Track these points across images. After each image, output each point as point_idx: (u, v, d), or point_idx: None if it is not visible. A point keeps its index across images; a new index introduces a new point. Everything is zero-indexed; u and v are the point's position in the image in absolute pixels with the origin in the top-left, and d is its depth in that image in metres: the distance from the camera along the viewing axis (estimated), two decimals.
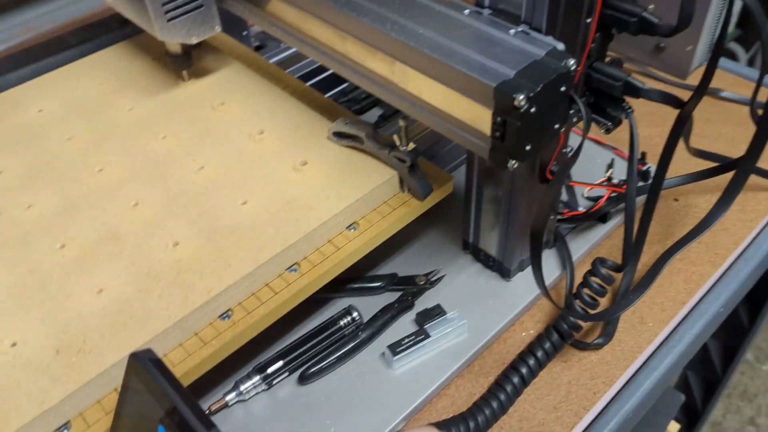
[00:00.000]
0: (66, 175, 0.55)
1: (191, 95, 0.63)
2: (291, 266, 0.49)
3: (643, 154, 0.66)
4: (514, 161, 0.40)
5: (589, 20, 0.44)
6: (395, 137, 0.52)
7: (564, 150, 0.53)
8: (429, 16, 0.44)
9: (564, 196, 0.65)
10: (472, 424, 0.50)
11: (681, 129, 0.50)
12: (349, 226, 0.52)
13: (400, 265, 0.62)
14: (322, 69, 0.81)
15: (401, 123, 0.50)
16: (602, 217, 0.65)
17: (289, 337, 0.56)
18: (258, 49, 0.87)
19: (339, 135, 0.56)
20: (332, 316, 0.56)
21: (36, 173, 0.55)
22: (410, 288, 0.59)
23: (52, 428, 0.40)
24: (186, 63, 0.63)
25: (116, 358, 0.42)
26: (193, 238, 0.49)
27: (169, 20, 0.55)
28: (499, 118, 0.39)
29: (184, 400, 0.36)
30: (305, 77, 0.77)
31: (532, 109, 0.38)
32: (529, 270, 0.61)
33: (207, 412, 0.51)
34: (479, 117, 0.41)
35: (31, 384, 0.41)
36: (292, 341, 0.54)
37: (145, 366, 0.37)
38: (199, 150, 0.56)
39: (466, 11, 0.44)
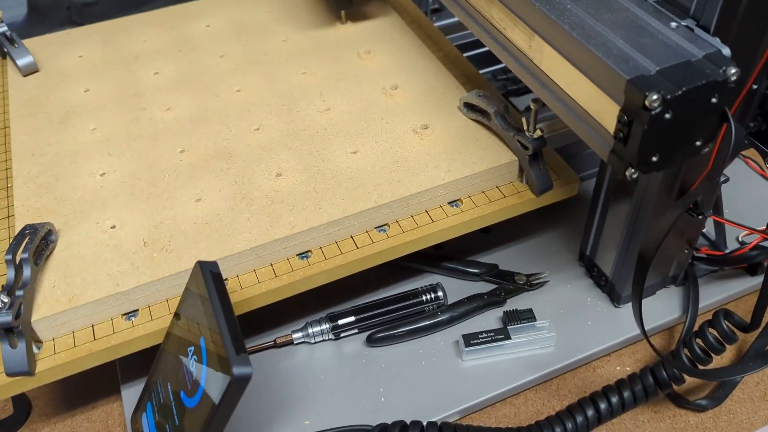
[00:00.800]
0: (208, 88, 0.58)
1: (343, 38, 0.63)
2: (380, 226, 0.48)
3: None
4: (633, 170, 0.35)
5: None
6: (523, 120, 0.48)
7: (717, 179, 0.46)
8: None
9: (711, 234, 0.56)
10: None
11: None
12: (452, 201, 0.50)
13: (503, 258, 0.58)
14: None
15: (532, 106, 0.46)
16: (752, 269, 0.56)
17: (370, 297, 0.55)
18: (435, 12, 0.85)
19: (469, 106, 0.53)
20: (416, 288, 0.54)
21: (184, 80, 0.59)
22: (507, 284, 0.55)
23: (121, 311, 0.43)
24: (345, 3, 0.63)
25: (191, 264, 0.43)
26: (296, 172, 0.49)
27: None
28: (625, 117, 0.34)
29: (227, 319, 0.36)
30: (465, 47, 0.74)
31: (667, 115, 0.32)
32: (649, 302, 0.54)
33: (272, 343, 0.52)
34: (606, 111, 0.36)
35: (114, 266, 0.43)
36: (371, 301, 0.54)
37: (205, 276, 0.38)
38: (332, 92, 0.56)
39: None
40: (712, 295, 0.54)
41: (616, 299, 0.54)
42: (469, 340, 0.51)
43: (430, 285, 0.54)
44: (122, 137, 0.53)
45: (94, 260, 0.44)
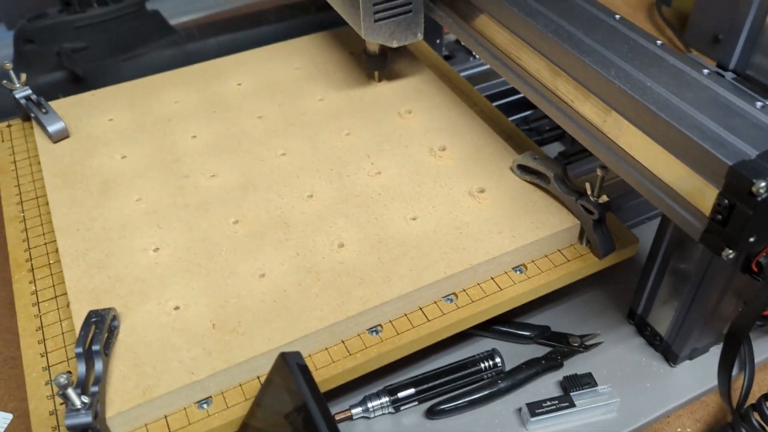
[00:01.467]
0: (251, 152, 0.57)
1: (380, 97, 0.62)
2: (448, 295, 0.47)
3: None
4: (731, 251, 0.35)
5: None
6: (587, 185, 0.48)
7: None
8: (660, 68, 0.40)
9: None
10: None
11: None
12: (516, 267, 0.49)
13: (553, 318, 0.57)
14: (508, 92, 0.78)
15: (599, 173, 0.46)
16: None
17: (424, 364, 0.54)
18: (447, 59, 0.86)
19: (523, 168, 0.53)
20: (474, 356, 0.53)
21: (224, 144, 0.57)
22: (561, 347, 0.55)
23: (194, 400, 0.41)
24: (380, 64, 0.63)
25: (266, 347, 0.42)
26: (359, 242, 0.48)
27: (376, 21, 0.55)
28: (726, 201, 0.34)
29: (323, 415, 0.35)
30: (490, 98, 0.75)
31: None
32: (698, 360, 0.55)
33: None
34: (699, 192, 0.36)
35: (184, 352, 0.42)
36: (429, 371, 0.52)
37: (291, 369, 0.37)
38: (379, 154, 0.56)
39: (705, 71, 0.39)
40: (764, 351, 0.55)
41: (672, 359, 0.54)
42: (534, 409, 0.50)
43: (487, 352, 0.53)
44: (169, 208, 0.51)
45: (161, 346, 0.42)
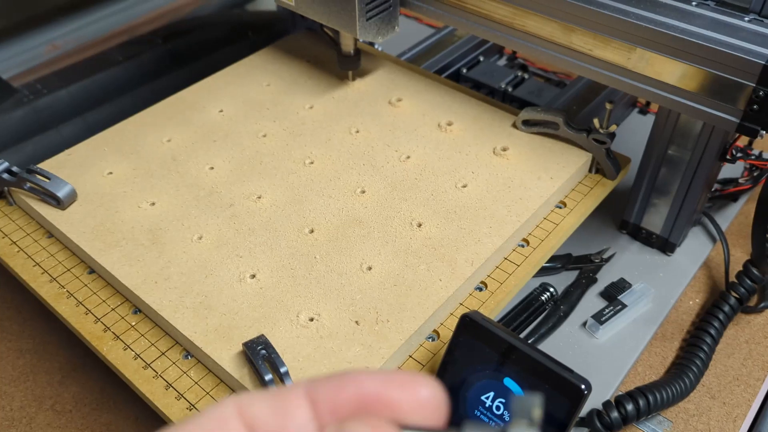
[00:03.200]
0: (279, 167, 0.57)
1: (363, 94, 0.66)
2: (520, 242, 0.53)
3: None
4: (764, 131, 0.46)
5: None
6: (595, 120, 0.57)
7: None
8: (660, 7, 0.49)
9: None
10: (687, 382, 0.55)
11: None
12: (557, 204, 0.56)
13: (564, 246, 0.66)
14: (439, 71, 0.85)
15: (608, 106, 0.55)
16: (734, 196, 0.71)
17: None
18: None
19: (528, 123, 0.60)
20: (531, 293, 0.60)
21: (247, 167, 0.57)
22: (588, 265, 0.64)
23: None
24: (355, 63, 0.66)
25: (416, 324, 0.44)
26: (432, 218, 0.52)
27: (367, 20, 0.59)
28: (761, 92, 0.44)
29: (526, 345, 0.39)
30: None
31: None
32: (686, 244, 0.67)
33: None
34: (732, 92, 0.46)
35: (347, 352, 0.43)
36: (501, 317, 0.58)
37: (483, 323, 0.40)
38: (397, 141, 0.60)
39: (693, 2, 0.49)
40: (721, 223, 0.69)
41: (670, 249, 0.65)
42: (599, 318, 0.58)
43: (540, 287, 0.60)
44: (237, 236, 0.51)
45: (323, 354, 0.43)
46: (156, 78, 0.88)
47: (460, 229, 0.51)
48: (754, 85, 0.45)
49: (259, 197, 0.54)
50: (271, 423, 0.18)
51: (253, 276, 0.48)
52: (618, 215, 0.68)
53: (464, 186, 0.55)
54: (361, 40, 0.61)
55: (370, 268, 0.48)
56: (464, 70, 0.87)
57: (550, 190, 0.55)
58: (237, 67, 0.70)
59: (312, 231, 0.51)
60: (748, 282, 0.60)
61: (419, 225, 0.52)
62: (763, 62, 0.43)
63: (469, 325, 0.41)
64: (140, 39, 0.95)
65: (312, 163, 0.58)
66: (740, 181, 0.72)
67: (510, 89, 0.83)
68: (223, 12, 0.95)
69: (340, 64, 0.66)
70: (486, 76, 0.85)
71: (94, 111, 0.84)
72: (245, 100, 0.65)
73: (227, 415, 0.18)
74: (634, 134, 0.76)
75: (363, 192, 0.55)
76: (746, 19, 0.48)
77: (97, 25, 1.00)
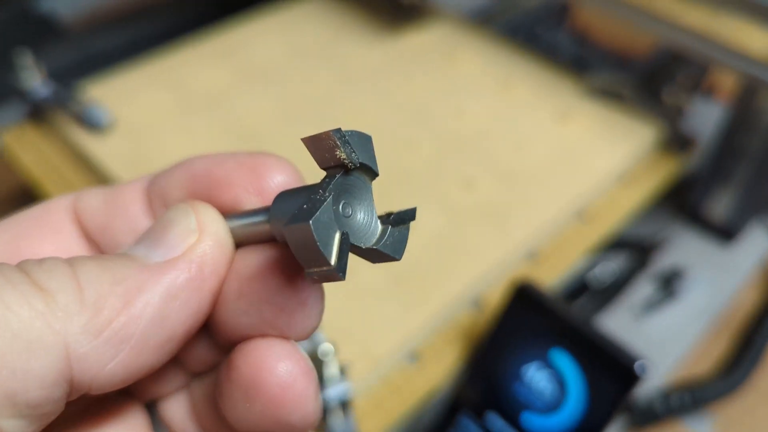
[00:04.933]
0: (326, 117, 0.54)
1: (419, 47, 0.62)
2: (575, 214, 0.50)
3: None
4: None
5: None
6: (665, 93, 0.53)
7: None
8: None
9: None
10: (738, 378, 0.51)
11: None
12: (619, 177, 0.53)
13: None
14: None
15: (680, 78, 0.51)
16: None
17: None
18: None
19: (595, 89, 0.56)
20: (581, 271, 0.56)
21: (293, 113, 0.55)
22: (641, 247, 0.60)
23: (409, 356, 0.40)
24: (412, 15, 0.62)
25: (459, 288, 0.42)
26: (484, 178, 0.49)
27: None
28: None
29: (581, 321, 0.36)
30: None
31: None
32: (746, 235, 0.62)
33: None
34: None
35: (382, 308, 0.40)
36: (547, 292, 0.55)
37: (535, 294, 0.38)
38: (453, 97, 0.56)
39: None
40: None
41: (729, 239, 0.61)
42: (649, 305, 0.55)
43: (590, 264, 0.57)
44: None
45: (354, 312, 0.40)
46: (202, 25, 0.86)
47: (513, 192, 0.48)
48: None
49: None
50: (101, 216, 0.17)
51: None
52: (679, 198, 0.64)
53: (520, 149, 0.52)
54: None
55: (414, 225, 0.45)
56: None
57: (610, 163, 0.51)
58: (290, 11, 0.67)
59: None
60: None
61: (470, 184, 0.49)
62: None
63: (524, 294, 0.38)
64: None
65: (361, 113, 0.55)
66: None
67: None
68: None
69: (396, 15, 0.63)
70: (547, 48, 0.81)
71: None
72: (294, 44, 0.62)
73: (60, 207, 0.17)
74: (696, 120, 0.72)
75: (413, 145, 0.52)
76: None
77: None
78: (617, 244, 0.60)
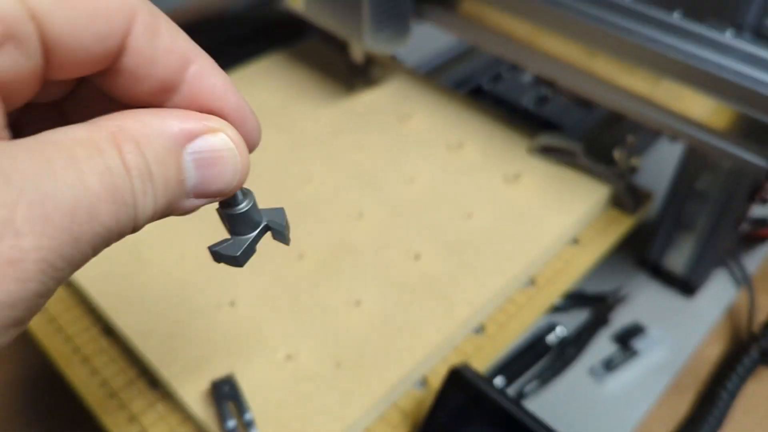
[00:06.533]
0: (272, 183, 0.54)
1: (372, 107, 0.62)
2: (527, 281, 0.49)
3: None
4: None
5: None
6: (616, 153, 0.52)
7: None
8: (691, 37, 0.45)
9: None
10: None
11: None
12: (570, 241, 0.52)
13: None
14: (458, 85, 0.81)
15: (630, 139, 0.51)
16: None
17: None
18: None
19: (544, 149, 0.56)
20: (537, 333, 0.56)
21: None
22: (601, 306, 0.59)
23: None
24: (366, 75, 0.62)
25: (403, 371, 0.41)
26: (432, 250, 0.48)
27: (377, 31, 0.55)
28: None
29: (519, 407, 0.35)
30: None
31: None
32: (709, 286, 0.62)
33: None
34: (764, 134, 0.41)
35: (324, 397, 0.39)
36: (506, 357, 0.54)
37: (474, 381, 0.37)
38: (402, 161, 0.56)
39: (727, 33, 0.45)
40: (749, 265, 0.64)
41: (690, 292, 0.60)
42: (608, 365, 0.54)
43: (547, 326, 0.56)
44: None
45: (295, 402, 0.39)
46: None
47: (462, 263, 0.48)
48: None
49: None
50: None
51: (233, 304, 0.45)
52: (638, 250, 0.64)
53: (470, 215, 0.51)
54: (370, 51, 0.58)
55: (358, 303, 0.45)
56: (485, 85, 0.83)
57: (563, 225, 0.51)
58: (243, 71, 0.67)
59: (301, 257, 0.48)
60: None
61: (417, 257, 0.48)
62: None
63: (457, 378, 0.37)
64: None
65: (309, 180, 0.54)
66: None
67: (533, 108, 0.79)
68: (248, 11, 0.92)
69: (349, 74, 0.62)
70: (509, 92, 0.81)
71: None
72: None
73: None
74: (660, 162, 0.72)
75: (361, 215, 0.51)
76: None
77: None
78: (576, 301, 0.59)
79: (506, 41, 0.54)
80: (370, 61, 0.62)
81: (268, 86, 0.64)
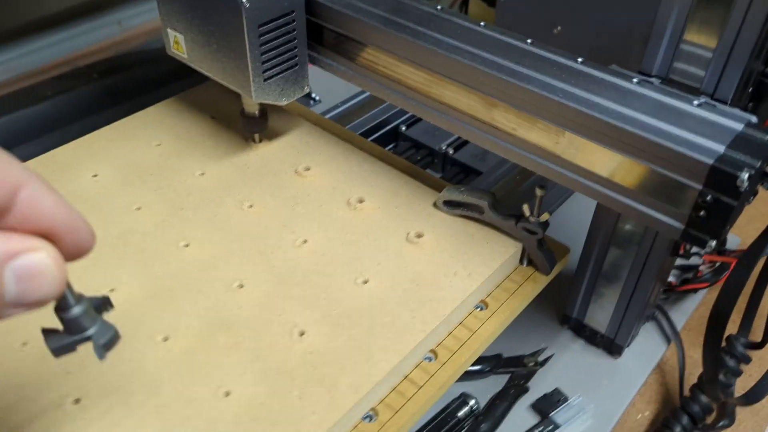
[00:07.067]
0: (146, 251, 0.48)
1: (268, 159, 0.57)
2: (427, 354, 0.44)
3: None
4: (713, 241, 0.37)
5: (750, 89, 0.42)
6: (525, 207, 0.48)
7: None
8: (595, 84, 0.41)
9: None
10: None
11: None
12: (477, 305, 0.47)
13: (495, 344, 0.57)
14: (371, 130, 0.77)
15: (538, 192, 0.47)
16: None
17: None
18: None
19: (450, 204, 0.52)
20: (448, 406, 0.50)
21: (110, 249, 0.48)
22: (519, 370, 0.54)
23: None
24: (262, 125, 0.57)
25: None
26: (319, 325, 0.43)
27: (265, 80, 0.50)
28: (709, 197, 0.36)
29: None
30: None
31: (748, 188, 0.35)
32: (636, 345, 0.58)
33: None
34: (675, 193, 0.37)
35: None
36: None
37: None
38: (295, 221, 0.51)
39: (635, 80, 0.41)
40: (677, 319, 0.60)
41: (616, 351, 0.56)
42: None
43: (459, 398, 0.51)
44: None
45: None
46: (89, 115, 0.79)
47: (351, 340, 0.42)
48: (701, 187, 0.36)
49: (113, 290, 0.45)
50: None
51: (78, 401, 0.38)
52: (561, 306, 0.59)
53: (365, 282, 0.46)
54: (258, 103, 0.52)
55: (227, 394, 0.39)
56: (403, 128, 0.79)
57: (468, 290, 0.46)
58: (128, 121, 0.60)
59: (166, 339, 0.42)
60: (704, 399, 0.51)
61: (302, 333, 0.42)
62: (711, 162, 0.35)
63: None
64: (75, 73, 0.87)
65: (187, 246, 0.48)
66: (701, 268, 0.64)
67: (451, 152, 0.75)
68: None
69: (242, 125, 0.57)
70: (426, 135, 0.77)
71: (17, 148, 0.75)
72: (128, 162, 0.56)
73: None
74: (581, 213, 0.68)
75: (241, 286, 0.45)
76: (695, 102, 0.39)
77: (29, 58, 0.91)
78: (493, 365, 0.54)
79: (404, 91, 0.49)
80: (268, 109, 0.57)
81: (151, 137, 0.58)
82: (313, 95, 0.85)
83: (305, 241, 0.49)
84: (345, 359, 0.41)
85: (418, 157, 0.75)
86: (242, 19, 0.47)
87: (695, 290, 0.61)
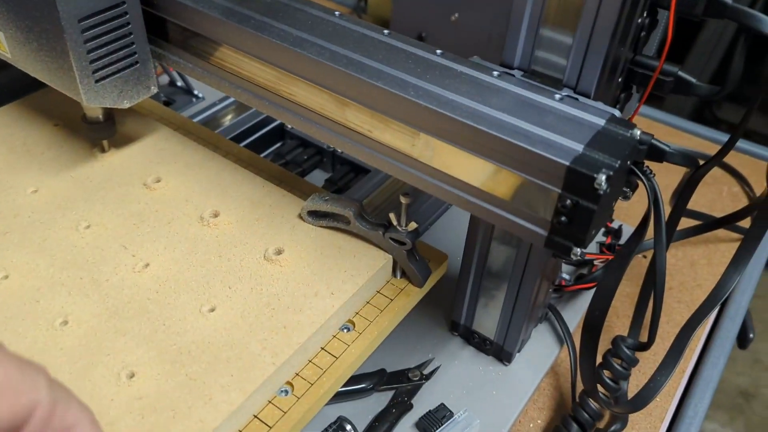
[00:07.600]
0: None
1: (114, 170, 0.50)
2: (282, 388, 0.39)
3: None
4: (578, 248, 0.34)
5: (620, 79, 0.39)
6: (392, 216, 0.44)
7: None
8: (453, 79, 0.37)
9: None
10: None
11: (693, 189, 0.46)
12: (343, 326, 0.43)
13: (380, 358, 0.53)
14: (251, 130, 0.71)
15: (403, 200, 0.42)
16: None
17: None
18: (166, 104, 0.75)
19: (315, 214, 0.47)
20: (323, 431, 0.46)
21: None
22: (403, 385, 0.50)
23: None
24: (108, 131, 0.51)
25: None
26: (153, 364, 0.37)
27: (97, 81, 0.44)
28: (568, 201, 0.32)
29: None
30: (235, 139, 0.67)
31: (608, 189, 0.32)
32: (527, 350, 0.55)
33: None
34: (535, 197, 0.34)
35: None
36: None
37: None
38: (138, 241, 0.45)
39: (495, 73, 0.37)
40: (570, 319, 0.57)
41: (506, 358, 0.53)
42: None
43: (335, 424, 0.46)
44: None
45: None
46: None
47: (190, 380, 0.37)
48: (560, 191, 0.32)
49: None
50: None
51: None
52: (450, 313, 0.56)
53: (212, 310, 0.41)
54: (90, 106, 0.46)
55: None
56: (289, 126, 0.73)
57: (329, 311, 0.41)
58: None
59: None
60: (593, 405, 0.48)
61: (131, 376, 0.37)
62: (567, 163, 0.31)
63: None
64: None
65: (6, 277, 0.42)
66: (596, 263, 0.61)
67: (340, 150, 0.70)
68: None
69: (85, 132, 0.50)
70: None
71: None
72: None
73: None
74: (465, 215, 0.64)
75: (65, 323, 0.39)
76: (557, 96, 0.36)
77: None
78: (375, 382, 0.50)
79: (254, 89, 0.44)
80: (116, 113, 0.50)
81: None
82: (195, 92, 0.78)
83: (147, 265, 0.43)
84: (179, 403, 0.35)
85: (305, 157, 0.70)
86: (57, 12, 0.41)
87: (587, 289, 0.58)
